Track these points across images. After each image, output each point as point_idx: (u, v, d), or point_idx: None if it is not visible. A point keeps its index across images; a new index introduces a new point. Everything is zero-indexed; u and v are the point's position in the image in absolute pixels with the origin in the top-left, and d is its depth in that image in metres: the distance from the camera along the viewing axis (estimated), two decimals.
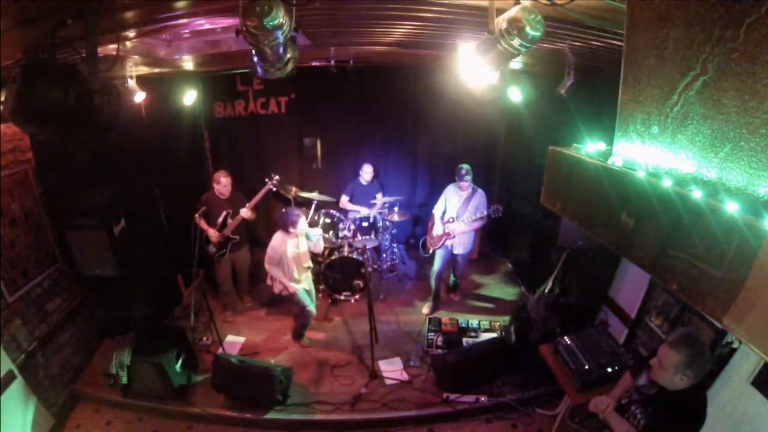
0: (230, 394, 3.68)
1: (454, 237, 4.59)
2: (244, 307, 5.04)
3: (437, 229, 4.68)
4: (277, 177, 4.40)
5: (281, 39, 1.77)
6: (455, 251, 4.73)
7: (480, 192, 4.54)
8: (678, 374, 1.94)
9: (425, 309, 5.01)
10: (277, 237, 3.88)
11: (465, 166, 4.42)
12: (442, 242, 4.65)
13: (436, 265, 4.82)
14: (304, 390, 3.86)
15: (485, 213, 4.40)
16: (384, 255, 5.66)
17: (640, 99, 1.53)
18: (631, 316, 3.75)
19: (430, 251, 4.95)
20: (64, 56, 2.41)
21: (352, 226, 5.11)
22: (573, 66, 3.86)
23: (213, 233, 4.31)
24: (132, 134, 4.26)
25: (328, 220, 5.13)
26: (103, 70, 2.20)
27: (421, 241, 5.69)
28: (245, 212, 4.30)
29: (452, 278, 5.23)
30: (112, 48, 2.40)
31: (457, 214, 4.53)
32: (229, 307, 4.93)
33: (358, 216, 5.24)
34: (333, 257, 4.89)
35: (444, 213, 4.65)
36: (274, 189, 4.43)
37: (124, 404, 3.73)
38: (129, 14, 2.16)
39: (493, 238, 6.29)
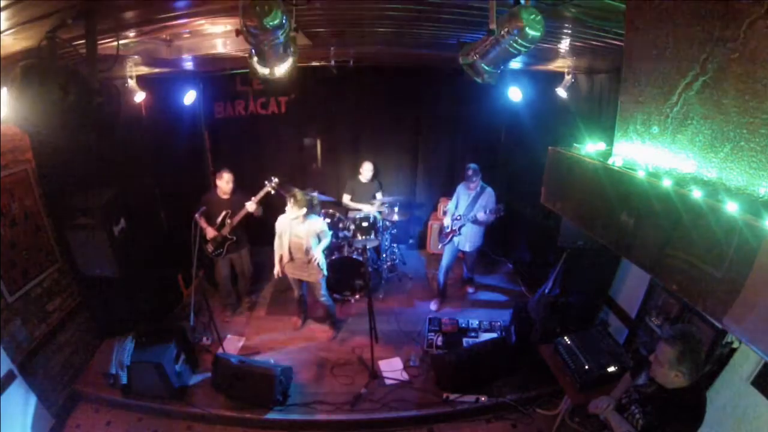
0: (230, 394, 3.68)
1: (459, 233, 4.64)
2: (244, 307, 5.04)
3: (445, 224, 4.81)
4: (275, 179, 4.39)
5: (281, 39, 1.77)
6: (461, 247, 4.79)
7: (488, 191, 4.57)
8: (673, 370, 1.94)
9: (433, 305, 5.07)
10: (281, 217, 4.02)
11: (472, 166, 4.48)
12: (449, 238, 4.75)
13: (444, 260, 4.92)
14: (304, 390, 3.86)
15: (487, 213, 4.42)
16: (384, 255, 5.66)
17: (640, 99, 1.53)
18: (631, 316, 3.75)
19: (439, 246, 5.04)
20: (64, 56, 2.41)
21: (352, 226, 5.10)
22: (573, 66, 3.86)
23: (210, 232, 4.31)
24: (132, 134, 4.30)
25: (328, 220, 5.13)
26: (103, 70, 2.20)
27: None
28: (250, 205, 4.29)
29: (465, 273, 5.39)
30: (112, 48, 2.40)
31: (464, 213, 4.59)
32: (229, 307, 4.93)
33: (358, 216, 5.24)
34: (333, 257, 4.89)
35: (455, 210, 4.72)
36: (273, 192, 4.41)
37: (124, 404, 3.73)
38: (129, 14, 2.16)
39: (493, 238, 6.30)
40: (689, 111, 1.31)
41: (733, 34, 1.12)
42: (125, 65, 3.37)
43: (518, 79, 4.39)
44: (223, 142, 5.89)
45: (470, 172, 4.44)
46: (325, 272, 4.23)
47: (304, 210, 3.86)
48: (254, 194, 4.36)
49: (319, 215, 4.07)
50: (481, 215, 4.48)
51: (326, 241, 4.13)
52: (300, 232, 3.96)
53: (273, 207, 4.50)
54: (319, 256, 4.05)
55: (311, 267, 4.09)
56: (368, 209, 5.40)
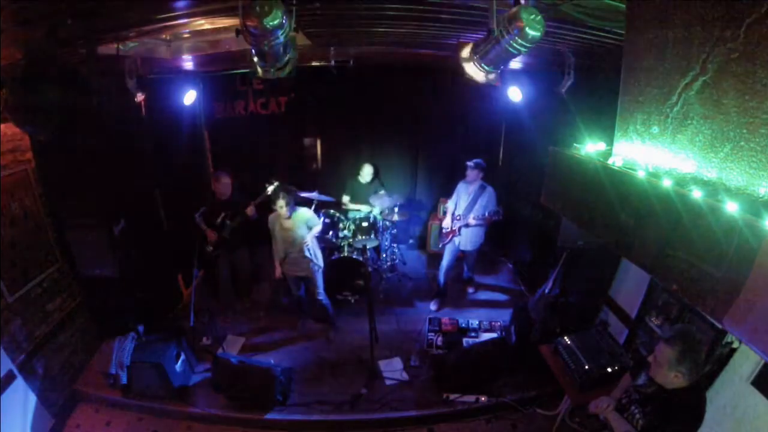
0: (230, 394, 3.68)
1: (459, 234, 4.63)
2: (244, 307, 5.04)
3: (445, 225, 4.78)
4: (276, 183, 4.38)
5: (281, 39, 1.77)
6: (462, 247, 4.76)
7: (489, 190, 4.53)
8: (672, 371, 1.94)
9: (433, 305, 5.06)
10: (271, 216, 4.06)
11: (474, 160, 4.48)
12: (449, 238, 4.73)
13: (444, 260, 4.90)
14: (304, 390, 3.86)
15: (486, 214, 4.41)
16: (384, 255, 5.66)
17: (640, 99, 1.53)
18: (631, 316, 3.75)
19: (440, 246, 5.02)
20: (64, 56, 2.41)
21: (352, 226, 5.11)
22: (573, 66, 3.86)
23: (211, 235, 4.30)
24: (132, 134, 4.30)
25: (328, 220, 5.13)
26: (103, 70, 2.20)
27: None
28: (251, 210, 4.30)
29: (465, 273, 5.36)
30: (112, 48, 2.40)
31: (464, 212, 4.56)
32: (228, 307, 4.93)
33: (358, 216, 5.24)
34: (333, 257, 4.89)
35: (455, 209, 4.70)
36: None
37: (124, 404, 3.73)
38: (129, 14, 2.16)
39: (493, 238, 6.30)
40: (689, 111, 1.31)
41: (733, 34, 1.12)
42: (125, 65, 3.36)
43: (518, 79, 4.38)
44: (223, 142, 5.88)
45: (471, 164, 4.43)
46: (320, 263, 4.24)
47: (284, 203, 3.86)
48: (254, 194, 4.36)
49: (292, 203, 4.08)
50: (472, 221, 4.47)
51: (317, 227, 4.17)
52: (287, 224, 3.99)
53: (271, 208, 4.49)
54: (310, 241, 4.06)
55: (305, 260, 4.09)
56: (366, 209, 5.40)
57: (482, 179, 4.54)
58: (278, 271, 4.23)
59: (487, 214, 4.41)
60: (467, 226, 4.54)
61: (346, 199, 5.58)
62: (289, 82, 5.29)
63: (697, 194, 1.18)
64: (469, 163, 4.48)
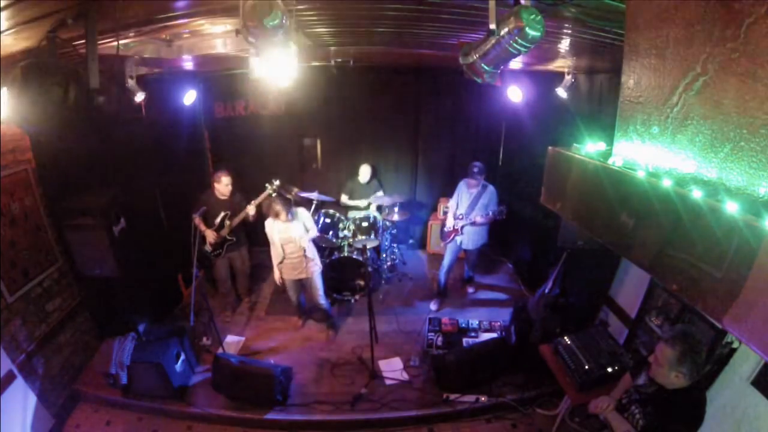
0: (230, 394, 3.68)
1: (462, 233, 4.63)
2: (244, 307, 5.04)
3: (447, 224, 4.77)
4: (277, 182, 4.37)
5: (281, 39, 1.78)
6: (464, 246, 4.76)
7: (490, 189, 4.53)
8: (673, 371, 1.94)
9: (433, 305, 5.06)
10: (267, 220, 4.01)
11: (477, 164, 4.45)
12: (451, 237, 4.72)
13: (446, 259, 4.90)
14: (304, 390, 3.86)
15: (489, 214, 4.40)
16: (384, 255, 5.66)
17: (640, 99, 1.53)
18: (631, 316, 3.75)
19: (441, 245, 5.03)
20: (64, 56, 2.41)
21: (352, 226, 5.11)
22: (573, 66, 3.87)
23: (210, 234, 4.29)
24: (132, 134, 4.30)
25: (328, 220, 5.13)
26: (103, 70, 2.20)
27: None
28: (251, 209, 4.28)
29: (466, 272, 5.36)
30: (112, 48, 2.40)
31: (466, 211, 4.56)
32: (228, 307, 4.93)
33: (358, 216, 5.24)
34: (333, 257, 4.89)
35: (456, 208, 4.69)
36: (274, 194, 4.38)
37: (124, 404, 3.73)
38: (129, 14, 2.16)
39: (493, 238, 6.31)
40: (689, 111, 1.31)
41: (733, 34, 1.12)
42: (125, 65, 3.37)
43: (518, 79, 4.39)
44: (223, 142, 5.89)
45: (475, 170, 4.39)
46: (319, 263, 4.23)
47: (283, 211, 3.79)
48: (253, 195, 4.35)
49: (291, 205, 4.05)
50: (479, 219, 4.46)
51: (313, 232, 4.10)
52: (280, 228, 3.96)
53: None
54: (306, 244, 4.04)
55: (304, 260, 4.08)
56: (364, 203, 5.41)
57: (483, 179, 4.54)
58: (277, 276, 4.19)
59: (491, 213, 4.40)
60: (473, 224, 4.53)
61: (344, 198, 5.58)
62: (289, 82, 5.28)
63: (697, 194, 1.18)
64: (475, 168, 4.39)
